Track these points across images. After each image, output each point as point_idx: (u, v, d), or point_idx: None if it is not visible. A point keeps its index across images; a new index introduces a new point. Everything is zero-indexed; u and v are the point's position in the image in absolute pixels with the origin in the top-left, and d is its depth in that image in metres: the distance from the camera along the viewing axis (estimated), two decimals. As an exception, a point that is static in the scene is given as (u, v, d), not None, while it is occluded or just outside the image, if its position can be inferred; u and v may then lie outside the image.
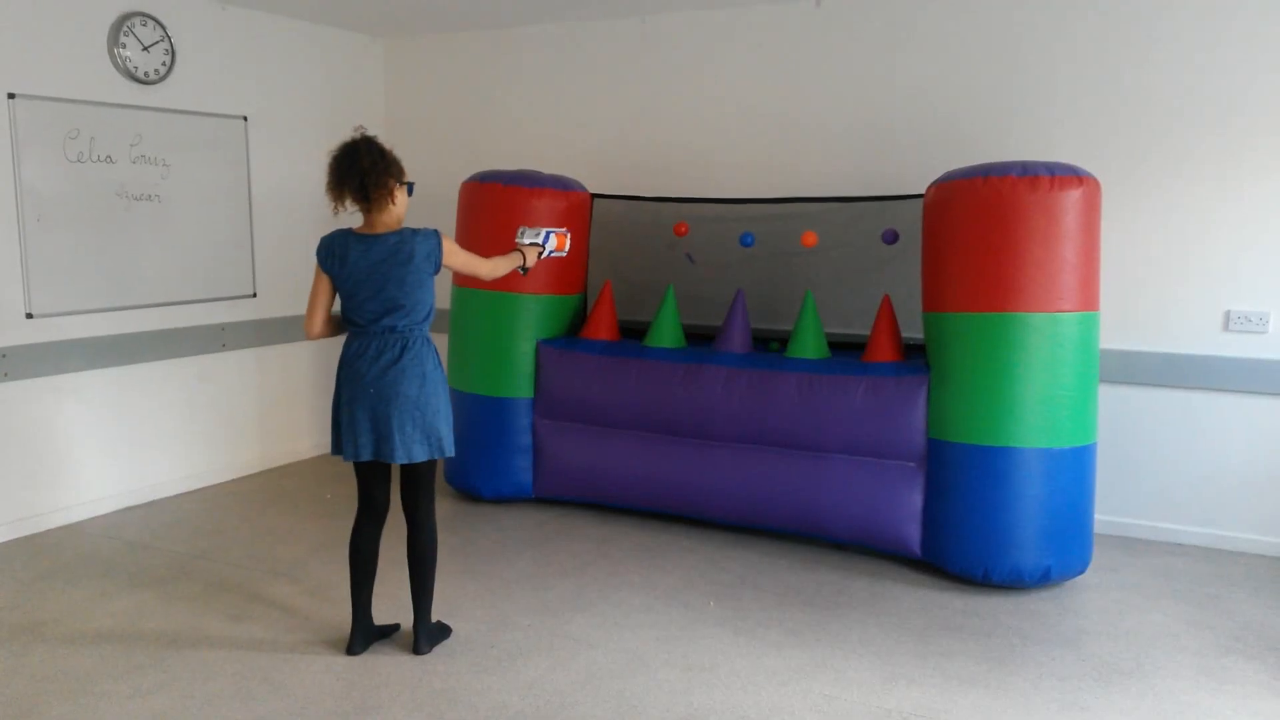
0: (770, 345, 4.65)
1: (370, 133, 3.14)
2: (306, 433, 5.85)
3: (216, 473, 5.29)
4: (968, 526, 3.86)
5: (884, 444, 4.05)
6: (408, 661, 3.26)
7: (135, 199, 4.75)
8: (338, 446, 3.23)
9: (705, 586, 3.94)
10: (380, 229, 3.14)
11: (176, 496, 5.04)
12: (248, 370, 5.43)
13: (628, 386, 4.52)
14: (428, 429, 3.16)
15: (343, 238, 3.16)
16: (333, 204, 3.12)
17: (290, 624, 3.54)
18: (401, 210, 3.17)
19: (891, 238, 4.46)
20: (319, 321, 3.22)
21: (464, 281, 4.80)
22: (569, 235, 3.64)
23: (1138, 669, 3.29)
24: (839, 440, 4.12)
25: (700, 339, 4.80)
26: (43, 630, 3.47)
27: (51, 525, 4.52)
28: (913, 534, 4.04)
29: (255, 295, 5.41)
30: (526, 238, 3.56)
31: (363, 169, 3.04)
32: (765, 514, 4.30)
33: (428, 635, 3.33)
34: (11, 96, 4.23)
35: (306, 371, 5.80)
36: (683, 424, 4.43)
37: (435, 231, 3.15)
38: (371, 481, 3.33)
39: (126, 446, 4.84)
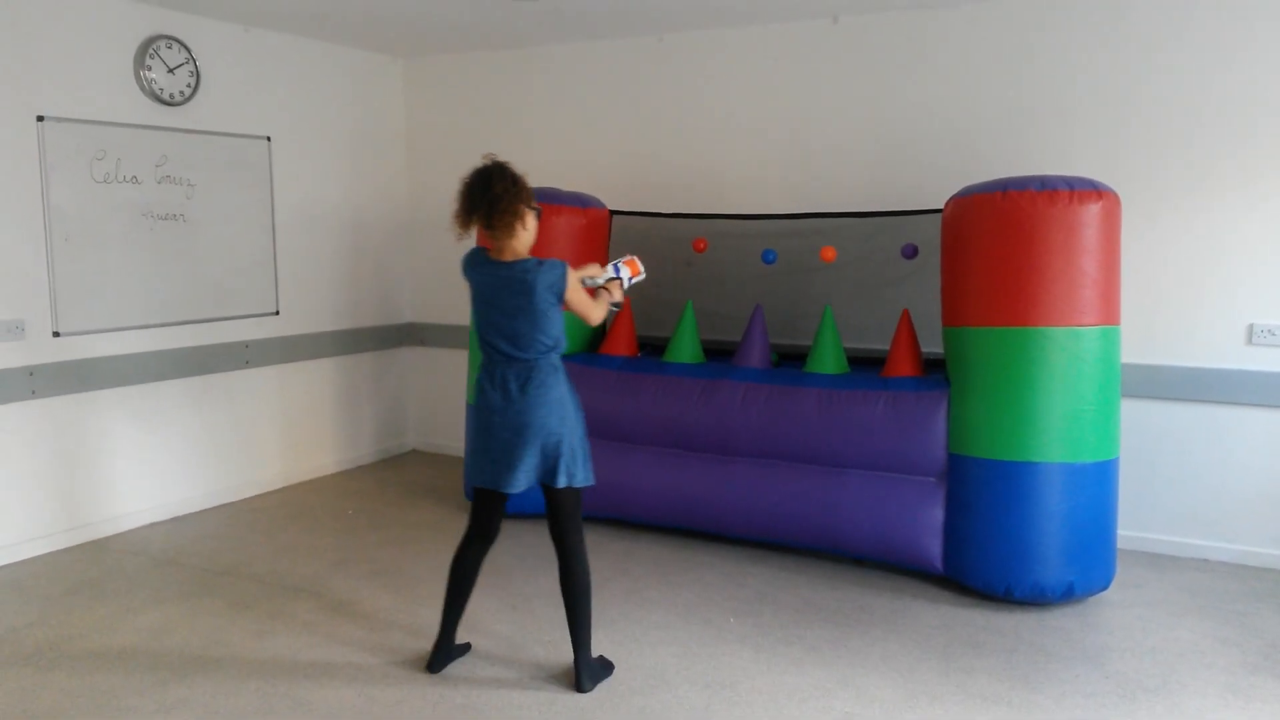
0: (772, 356, 4.61)
1: (501, 159, 3.10)
2: (329, 449, 5.89)
3: (240, 489, 5.34)
4: (989, 542, 3.84)
5: (904, 459, 4.04)
6: (428, 677, 3.27)
7: (160, 219, 4.82)
8: (468, 475, 3.21)
9: (725, 603, 3.93)
10: (508, 255, 3.09)
11: (201, 512, 5.08)
12: (271, 387, 5.48)
13: (647, 402, 4.53)
14: (550, 458, 3.09)
15: (478, 258, 3.14)
16: (459, 230, 3.08)
17: (313, 640, 3.56)
18: (531, 236, 3.12)
19: (911, 252, 4.46)
20: None
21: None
22: (638, 260, 3.50)
23: (1163, 687, 3.26)
24: (859, 455, 4.11)
25: (719, 354, 4.81)
26: (68, 645, 3.51)
27: (77, 541, 4.57)
28: (934, 549, 4.02)
29: (278, 313, 5.47)
30: (601, 279, 3.41)
31: (494, 196, 2.99)
32: (785, 529, 4.29)
33: (589, 672, 3.20)
34: (40, 119, 4.31)
35: (329, 388, 5.85)
36: (702, 439, 4.43)
37: (562, 264, 3.06)
38: (486, 508, 3.25)
39: (151, 463, 4.89)
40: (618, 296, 3.40)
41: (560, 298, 3.08)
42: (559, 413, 3.09)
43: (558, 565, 3.22)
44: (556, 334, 3.10)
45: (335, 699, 3.13)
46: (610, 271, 3.44)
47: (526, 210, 3.07)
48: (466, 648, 3.44)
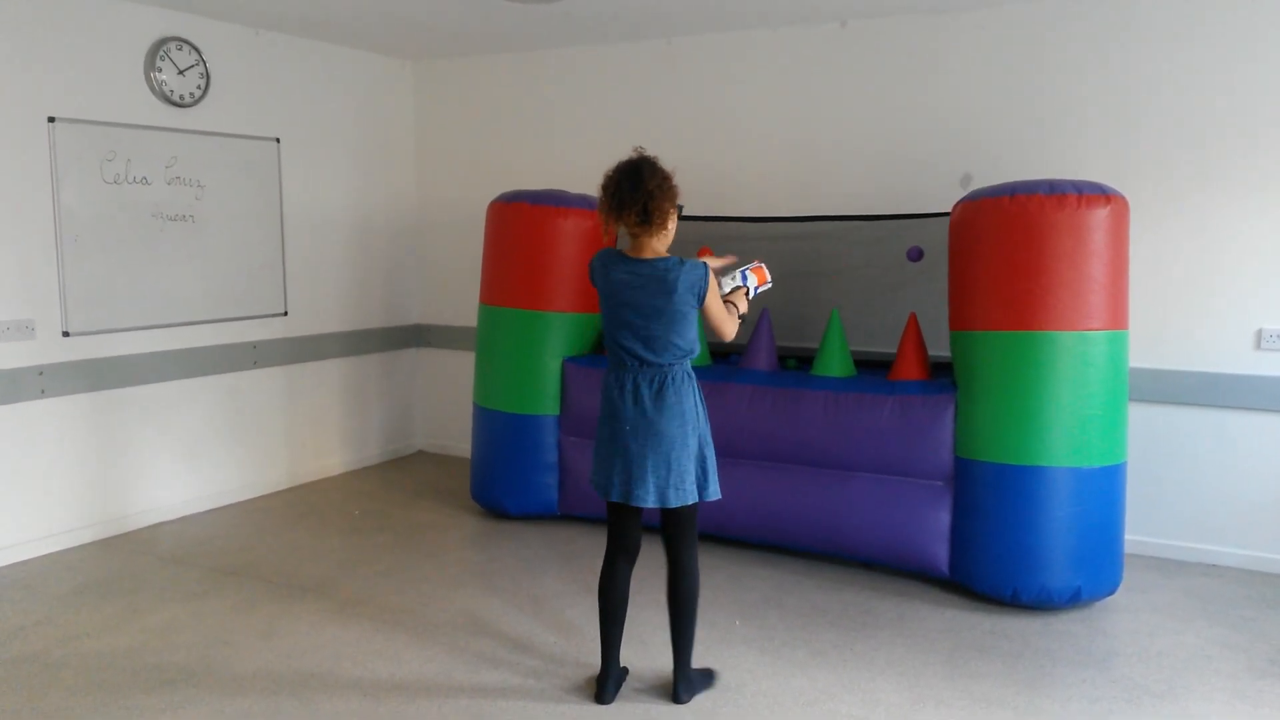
0: (788, 363, 4.63)
1: (649, 153, 2.97)
2: (335, 449, 5.91)
3: (247, 489, 5.35)
4: (996, 546, 3.83)
5: (911, 463, 4.03)
6: (434, 678, 3.28)
7: (170, 219, 4.84)
8: (594, 479, 3.11)
9: (731, 606, 3.93)
10: (647, 253, 2.96)
11: (208, 512, 5.10)
12: (278, 387, 5.49)
13: (653, 405, 4.52)
14: (682, 472, 2.96)
15: (612, 257, 3.00)
16: (606, 228, 2.96)
17: (320, 640, 3.57)
18: (672, 236, 3.00)
19: (916, 255, 4.46)
20: None
21: (491, 299, 4.85)
22: (765, 266, 3.31)
23: (1169, 691, 3.25)
24: (865, 459, 4.11)
25: (725, 357, 4.81)
26: (75, 644, 3.52)
27: (84, 540, 4.59)
28: (940, 554, 4.01)
29: (286, 314, 5.48)
30: (727, 287, 3.23)
31: (648, 191, 2.88)
32: (791, 533, 4.29)
33: (687, 684, 3.13)
34: (51, 120, 4.33)
35: (336, 389, 5.86)
36: (708, 442, 4.43)
37: (704, 264, 2.94)
38: (622, 521, 3.13)
39: (159, 463, 4.91)
40: (744, 308, 3.20)
41: (701, 300, 2.95)
42: (691, 423, 2.98)
43: (666, 574, 3.13)
44: (692, 338, 2.98)
45: (341, 700, 3.14)
46: (737, 280, 3.24)
47: (673, 208, 2.96)
48: (625, 672, 3.29)
